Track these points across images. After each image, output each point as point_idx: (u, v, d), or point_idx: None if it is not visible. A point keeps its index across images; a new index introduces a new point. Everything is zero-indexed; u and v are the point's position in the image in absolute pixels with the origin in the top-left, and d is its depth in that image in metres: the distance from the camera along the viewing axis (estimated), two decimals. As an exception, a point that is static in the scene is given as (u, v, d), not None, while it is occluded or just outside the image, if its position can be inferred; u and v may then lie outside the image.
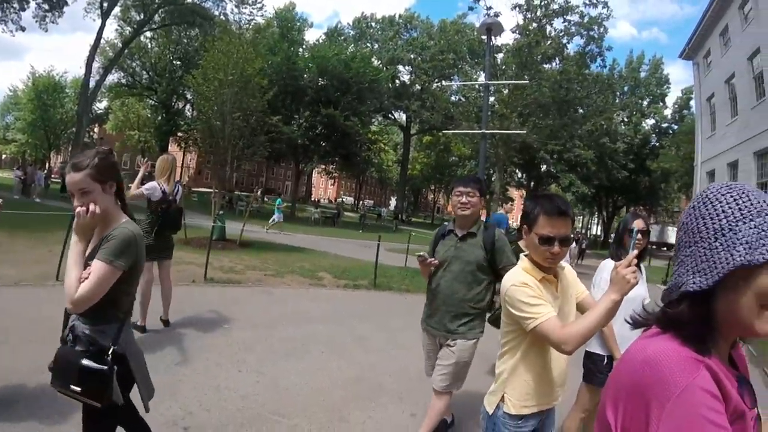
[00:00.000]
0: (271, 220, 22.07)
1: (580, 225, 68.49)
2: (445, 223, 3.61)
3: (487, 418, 2.18)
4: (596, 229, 61.49)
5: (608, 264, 3.15)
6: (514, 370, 2.10)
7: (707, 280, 0.88)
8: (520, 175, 41.58)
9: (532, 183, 39.88)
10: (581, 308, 2.21)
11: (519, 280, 2.00)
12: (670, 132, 40.44)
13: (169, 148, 41.18)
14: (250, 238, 14.50)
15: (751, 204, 0.88)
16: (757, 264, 0.82)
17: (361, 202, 69.65)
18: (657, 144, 40.60)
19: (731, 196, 0.91)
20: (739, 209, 0.88)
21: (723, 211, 0.89)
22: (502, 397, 2.11)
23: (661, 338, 0.93)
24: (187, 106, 40.60)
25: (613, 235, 3.72)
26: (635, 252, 1.74)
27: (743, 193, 0.91)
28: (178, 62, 38.75)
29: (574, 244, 25.76)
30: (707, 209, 0.92)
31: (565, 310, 2.14)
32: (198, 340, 5.17)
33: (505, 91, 21.33)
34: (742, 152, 18.52)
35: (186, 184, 39.22)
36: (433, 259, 3.26)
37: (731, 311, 0.88)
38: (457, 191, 3.22)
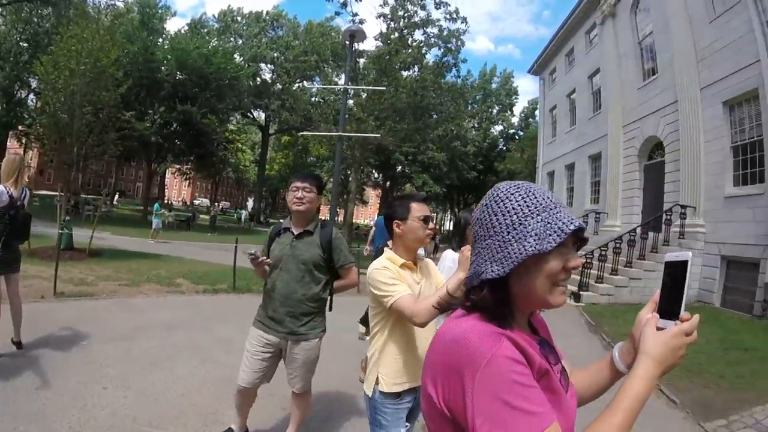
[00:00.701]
0: (153, 228, 20.83)
1: (434, 222, 71.92)
2: (281, 221, 3.51)
3: (367, 401, 2.34)
4: (448, 225, 64.98)
5: (449, 254, 3.47)
6: (384, 349, 2.30)
7: (503, 268, 0.98)
8: (376, 175, 42.57)
9: (388, 183, 41.04)
10: None
11: (381, 264, 2.29)
12: (516, 137, 43.92)
13: (8, 143, 35.72)
14: (100, 247, 13.28)
15: (537, 201, 1.00)
16: (546, 251, 0.95)
17: (217, 203, 66.67)
18: (504, 148, 44.02)
19: (519, 195, 1.02)
20: (527, 206, 1.00)
21: (513, 208, 1.00)
22: (377, 378, 2.27)
23: (466, 318, 1.02)
24: (31, 96, 35.44)
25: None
26: None
27: (529, 191, 1.02)
28: (26, 44, 33.27)
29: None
30: (499, 207, 1.03)
31: (426, 295, 2.33)
32: (56, 360, 4.80)
33: (364, 96, 21.65)
34: (578, 156, 21.13)
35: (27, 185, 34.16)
36: (265, 258, 3.12)
37: (527, 291, 1.01)
38: (294, 186, 3.11)
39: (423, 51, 22.51)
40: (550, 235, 0.96)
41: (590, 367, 1.31)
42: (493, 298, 1.00)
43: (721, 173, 11.95)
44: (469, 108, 34.86)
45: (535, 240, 0.96)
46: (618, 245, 12.16)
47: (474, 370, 0.89)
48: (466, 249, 1.93)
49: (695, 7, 12.98)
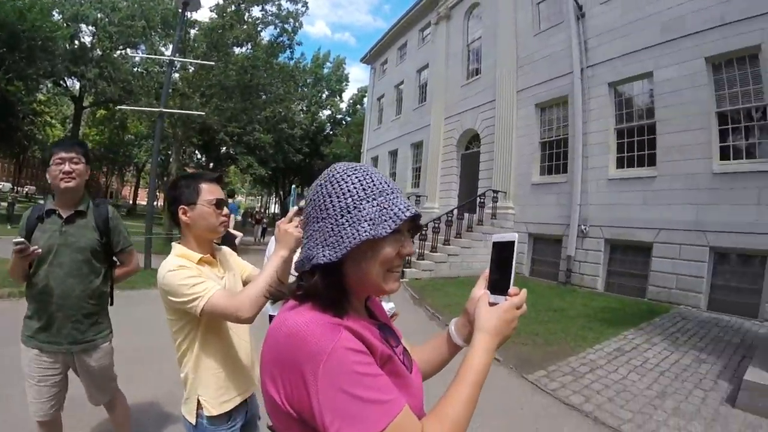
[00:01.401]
0: None
1: (260, 205, 70.57)
2: (40, 202, 2.91)
3: (191, 431, 1.92)
4: (274, 208, 63.94)
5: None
6: (198, 367, 1.91)
7: (336, 253, 0.96)
8: (199, 156, 40.22)
9: (211, 164, 39.15)
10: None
11: (174, 264, 1.84)
12: (344, 123, 44.90)
13: None
14: None
15: (374, 184, 0.99)
16: (380, 237, 0.94)
17: (20, 188, 55.67)
18: (331, 132, 44.73)
19: (356, 177, 1.00)
20: (363, 189, 0.98)
21: (348, 191, 0.98)
22: (198, 402, 1.89)
23: (300, 309, 0.97)
24: None
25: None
26: (295, 208, 1.78)
27: (367, 174, 1.01)
28: None
29: (255, 223, 26.53)
30: (334, 188, 1.00)
31: (233, 289, 2.05)
32: None
33: (191, 70, 20.35)
34: (402, 143, 22.78)
35: None
36: (36, 247, 2.36)
37: (361, 277, 1.00)
38: (58, 158, 2.49)
39: (259, 28, 21.77)
40: (385, 220, 0.95)
41: (429, 343, 1.35)
42: (324, 284, 0.97)
43: (529, 163, 13.91)
44: (299, 91, 34.61)
45: (369, 225, 0.95)
46: (437, 225, 13.10)
47: (315, 366, 0.86)
48: (282, 222, 1.77)
49: (523, 21, 14.68)
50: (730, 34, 9.35)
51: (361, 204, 0.96)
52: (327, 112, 44.57)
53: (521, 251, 13.31)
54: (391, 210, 0.96)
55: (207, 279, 1.83)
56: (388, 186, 1.00)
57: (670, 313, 8.82)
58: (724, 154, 9.56)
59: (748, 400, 4.59)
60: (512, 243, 1.11)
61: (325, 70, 43.41)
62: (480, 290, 1.18)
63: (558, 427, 4.28)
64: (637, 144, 11.08)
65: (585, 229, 11.77)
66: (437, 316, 8.31)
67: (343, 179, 0.99)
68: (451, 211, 13.78)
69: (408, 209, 0.97)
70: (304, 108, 41.08)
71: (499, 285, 1.13)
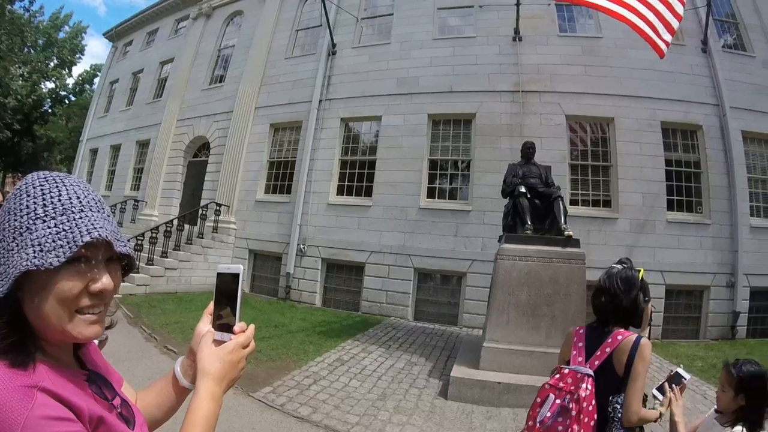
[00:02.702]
0: None
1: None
2: None
3: None
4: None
5: None
6: None
7: (2, 286, 0.77)
8: None
9: None
10: None
11: None
12: (66, 102, 38.09)
13: None
14: None
15: (60, 200, 0.81)
16: (50, 268, 0.75)
17: None
18: (50, 110, 37.23)
19: (41, 190, 0.82)
20: (44, 205, 0.80)
21: (27, 206, 0.80)
22: None
23: None
24: None
25: None
26: None
27: (57, 186, 0.83)
28: None
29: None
30: (15, 203, 0.81)
31: None
32: None
33: None
34: (127, 139, 19.89)
35: None
36: None
37: (41, 318, 0.79)
38: None
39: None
40: (60, 246, 0.76)
41: (154, 385, 1.17)
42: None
43: (255, 180, 13.75)
44: (26, 51, 28.98)
45: (35, 251, 0.76)
46: (155, 235, 11.93)
47: None
48: None
49: (279, 42, 14.75)
50: (453, 101, 11.58)
51: (35, 224, 0.78)
52: (51, 85, 37.26)
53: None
54: (69, 234, 0.77)
55: None
56: (80, 202, 0.81)
57: (382, 324, 9.92)
58: (431, 193, 11.62)
59: (457, 392, 5.62)
60: (237, 275, 1.02)
61: (61, 35, 36.48)
62: (205, 326, 1.06)
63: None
64: (357, 176, 12.27)
65: (304, 248, 12.26)
66: (154, 337, 7.56)
67: (27, 192, 0.81)
68: (171, 220, 12.69)
69: (90, 232, 0.78)
70: (25, 74, 34.08)
71: (224, 321, 1.03)
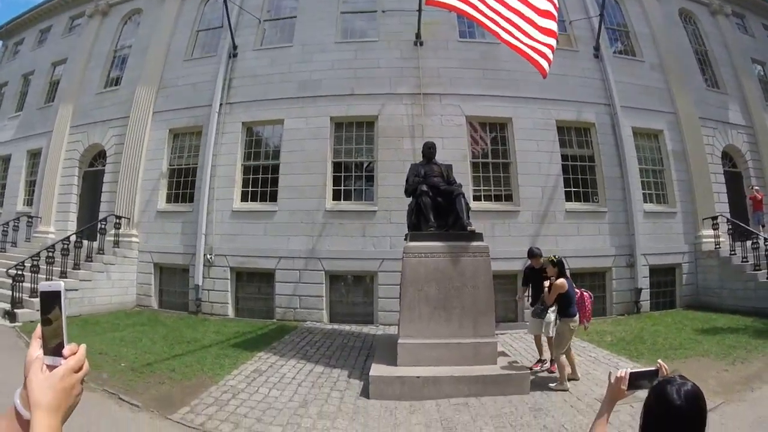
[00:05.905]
0: None
1: None
2: None
3: None
4: None
5: None
6: None
7: None
8: None
9: None
10: None
11: None
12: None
13: None
14: None
15: None
16: None
17: None
18: None
19: None
20: None
21: None
22: None
23: None
24: None
25: None
26: None
27: None
28: None
29: None
30: None
31: None
32: None
33: None
34: (18, 148, 18.15)
35: None
36: None
37: None
38: None
39: None
40: None
41: (2, 419, 1.03)
42: None
43: (156, 189, 13.06)
44: None
45: None
46: (51, 254, 11.01)
47: None
48: None
49: (178, 43, 14.12)
50: (355, 103, 11.69)
51: None
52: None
53: (148, 282, 12.67)
54: None
55: None
56: None
57: (298, 329, 9.91)
58: (337, 196, 11.66)
59: (378, 391, 5.72)
60: (59, 293, 0.95)
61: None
62: (35, 351, 0.96)
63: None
64: (261, 181, 12.07)
65: (211, 258, 11.88)
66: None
67: None
68: (68, 237, 11.84)
69: None
70: None
71: (54, 343, 0.95)
